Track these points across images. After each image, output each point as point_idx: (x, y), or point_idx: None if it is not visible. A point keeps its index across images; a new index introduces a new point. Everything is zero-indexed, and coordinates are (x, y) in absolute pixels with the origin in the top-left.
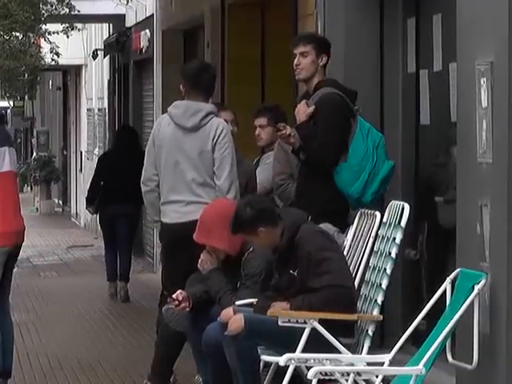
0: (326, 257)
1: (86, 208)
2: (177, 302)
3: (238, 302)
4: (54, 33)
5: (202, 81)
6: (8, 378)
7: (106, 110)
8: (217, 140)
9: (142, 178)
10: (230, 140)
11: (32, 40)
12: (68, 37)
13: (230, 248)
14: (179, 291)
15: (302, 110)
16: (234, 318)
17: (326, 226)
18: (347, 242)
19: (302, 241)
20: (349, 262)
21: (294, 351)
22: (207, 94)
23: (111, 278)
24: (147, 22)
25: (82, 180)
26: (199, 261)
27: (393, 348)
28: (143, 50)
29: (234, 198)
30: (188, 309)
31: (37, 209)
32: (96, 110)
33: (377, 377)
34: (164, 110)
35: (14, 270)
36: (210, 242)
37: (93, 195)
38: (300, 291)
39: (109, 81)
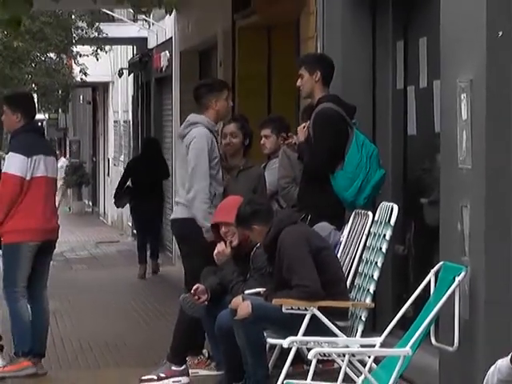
0: (293, 261)
1: (114, 202)
2: (197, 297)
3: (246, 291)
4: (84, 55)
5: (199, 95)
6: (42, 358)
7: (131, 122)
8: (188, 147)
9: None
10: (199, 148)
11: (64, 61)
12: (98, 59)
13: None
14: (199, 287)
15: (301, 132)
16: (242, 304)
17: (323, 225)
18: (343, 239)
19: (281, 241)
20: (344, 256)
21: (296, 335)
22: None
23: (141, 260)
24: (167, 44)
25: (109, 183)
26: (215, 252)
27: (383, 332)
28: (163, 69)
29: (193, 198)
30: (207, 302)
31: (69, 208)
32: (121, 122)
33: (369, 357)
34: (181, 123)
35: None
36: (226, 219)
37: (118, 192)
38: (276, 285)
39: (133, 96)
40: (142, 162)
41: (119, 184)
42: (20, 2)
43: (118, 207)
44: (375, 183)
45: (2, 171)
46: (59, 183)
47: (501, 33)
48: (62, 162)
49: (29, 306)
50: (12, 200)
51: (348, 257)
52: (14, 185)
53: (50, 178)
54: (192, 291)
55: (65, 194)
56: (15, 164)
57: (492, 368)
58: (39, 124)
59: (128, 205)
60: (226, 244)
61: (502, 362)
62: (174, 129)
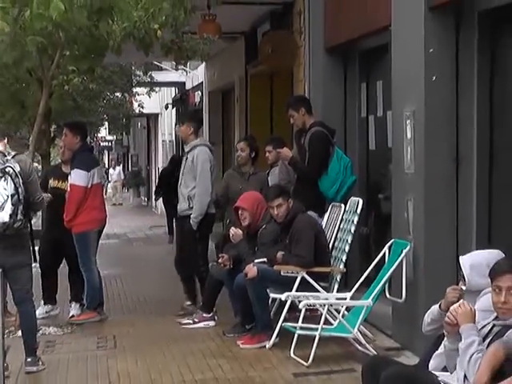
0: (301, 234)
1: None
2: (222, 264)
3: (255, 260)
4: (140, 94)
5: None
6: (103, 307)
7: (173, 142)
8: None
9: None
10: (200, 161)
11: (127, 98)
12: (150, 97)
13: (253, 215)
14: (224, 256)
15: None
16: (251, 269)
17: (311, 213)
18: (324, 223)
19: (295, 223)
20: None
21: (290, 291)
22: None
23: (170, 241)
24: (199, 86)
25: None
26: (231, 234)
27: (352, 289)
28: (196, 104)
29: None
30: (230, 267)
31: (120, 203)
32: (167, 141)
33: (342, 307)
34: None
35: (116, 241)
36: (243, 205)
37: (156, 190)
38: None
39: (175, 123)
40: (169, 170)
41: (156, 185)
42: (96, 57)
43: (156, 200)
44: (349, 186)
45: (70, 183)
46: (117, 184)
47: (434, 77)
48: (118, 169)
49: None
50: (78, 204)
51: (327, 236)
52: (79, 193)
53: (100, 183)
54: (220, 260)
55: (119, 190)
56: (80, 178)
57: (428, 312)
58: (92, 145)
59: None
60: (240, 227)
61: (434, 308)
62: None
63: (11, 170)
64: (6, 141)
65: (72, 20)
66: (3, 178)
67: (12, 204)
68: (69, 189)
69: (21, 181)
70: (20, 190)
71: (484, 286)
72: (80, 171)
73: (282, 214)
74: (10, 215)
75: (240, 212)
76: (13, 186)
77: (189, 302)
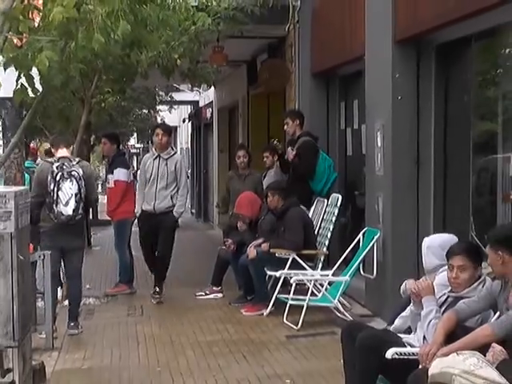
0: (293, 224)
1: None
2: (228, 247)
3: (255, 243)
4: (163, 111)
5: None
6: (133, 282)
7: (189, 150)
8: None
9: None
10: (183, 167)
11: (152, 114)
12: (170, 113)
13: (252, 214)
14: (229, 241)
15: (290, 155)
16: (252, 251)
17: (298, 206)
18: (311, 215)
19: (288, 215)
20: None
21: (283, 269)
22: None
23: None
24: (210, 104)
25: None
26: (238, 225)
27: (333, 267)
28: (208, 119)
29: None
30: (235, 250)
31: None
32: (184, 149)
33: (325, 282)
34: (218, 155)
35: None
36: (240, 211)
37: None
38: (280, 238)
39: (191, 134)
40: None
41: None
42: (127, 80)
43: None
44: (332, 182)
45: (115, 179)
46: None
47: (399, 97)
48: None
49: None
50: (121, 197)
51: (313, 224)
52: (122, 187)
53: (132, 182)
54: (226, 244)
55: None
56: (123, 175)
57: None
58: (124, 150)
59: None
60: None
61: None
62: (213, 153)
63: (76, 174)
64: (71, 148)
65: (108, 51)
66: (69, 180)
67: (75, 201)
68: (113, 185)
69: (83, 183)
70: (82, 190)
71: (436, 264)
72: (122, 169)
73: (276, 204)
74: (73, 210)
75: (240, 217)
76: (77, 186)
77: (158, 289)
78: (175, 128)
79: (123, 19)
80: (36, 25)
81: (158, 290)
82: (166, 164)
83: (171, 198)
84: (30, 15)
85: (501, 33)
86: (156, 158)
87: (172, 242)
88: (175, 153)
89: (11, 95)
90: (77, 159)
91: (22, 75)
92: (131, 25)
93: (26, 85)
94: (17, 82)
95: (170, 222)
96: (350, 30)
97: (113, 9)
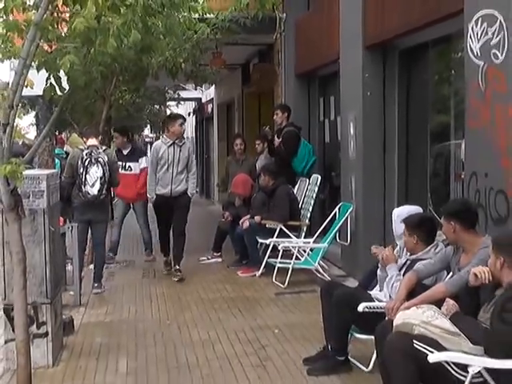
0: (280, 200)
1: None
2: (226, 220)
3: (248, 218)
4: (171, 106)
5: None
6: (152, 251)
7: (194, 139)
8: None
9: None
10: (192, 152)
11: (162, 109)
12: (178, 108)
13: (245, 193)
14: (226, 213)
15: (276, 143)
16: (245, 223)
17: (286, 185)
18: (295, 192)
19: (277, 192)
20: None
21: (272, 237)
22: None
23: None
24: (211, 101)
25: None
26: (235, 202)
27: (314, 235)
28: (209, 113)
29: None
30: (230, 219)
31: None
32: (190, 138)
33: (307, 248)
34: (218, 143)
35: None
36: (236, 191)
37: None
38: (270, 211)
39: (195, 126)
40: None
41: None
42: (140, 80)
43: None
44: (311, 164)
45: (143, 166)
46: None
47: (369, 93)
48: None
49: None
50: (145, 181)
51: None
52: (147, 173)
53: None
54: (224, 217)
55: None
56: (146, 162)
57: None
58: (141, 146)
59: None
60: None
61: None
62: (214, 142)
63: (102, 160)
64: (99, 138)
65: (124, 56)
66: (96, 165)
67: (100, 183)
68: (138, 171)
69: (107, 168)
70: (106, 174)
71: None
72: (145, 158)
73: (266, 183)
74: (98, 190)
75: (237, 195)
76: (102, 171)
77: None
78: None
79: (134, 29)
80: (63, 34)
81: (178, 267)
82: (180, 150)
83: (186, 181)
84: (58, 26)
85: (453, 40)
86: (171, 145)
87: (186, 220)
88: (185, 140)
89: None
90: (103, 147)
91: (51, 76)
92: (141, 33)
93: (55, 84)
94: (46, 81)
95: (185, 203)
96: (327, 37)
97: (126, 20)
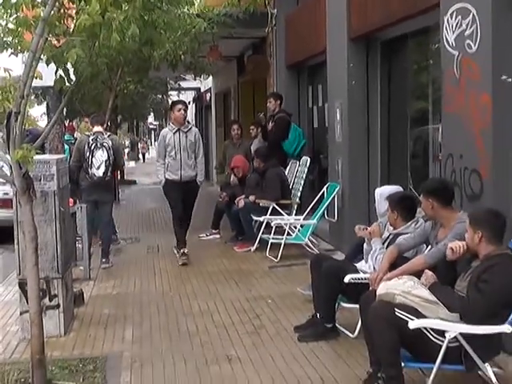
0: (272, 180)
1: None
2: (223, 199)
3: (243, 197)
4: (173, 95)
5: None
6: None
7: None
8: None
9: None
10: (200, 138)
11: (164, 98)
12: (179, 97)
13: (243, 168)
14: (223, 194)
15: (269, 128)
16: (240, 202)
17: (276, 167)
18: (287, 173)
19: (268, 173)
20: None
21: (266, 215)
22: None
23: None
24: (209, 90)
25: None
26: (231, 180)
27: (304, 213)
28: (207, 101)
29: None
30: (227, 199)
31: None
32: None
33: (298, 225)
34: (216, 129)
35: (159, 187)
36: (237, 164)
37: None
38: (263, 191)
39: (195, 114)
40: None
41: None
42: (143, 72)
43: None
44: (301, 146)
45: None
46: None
47: (353, 82)
48: None
49: None
50: None
51: (289, 181)
52: None
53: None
54: (222, 197)
55: None
56: None
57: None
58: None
59: None
60: (235, 176)
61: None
62: (212, 131)
63: (106, 144)
64: (105, 126)
65: (127, 48)
66: (101, 149)
67: (105, 166)
68: None
69: (112, 152)
70: (111, 158)
71: (386, 208)
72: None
73: (258, 164)
74: (103, 172)
75: (236, 170)
76: (106, 154)
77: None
78: None
79: (134, 23)
80: (69, 29)
81: (185, 251)
82: (186, 136)
83: (195, 166)
84: (65, 21)
85: (430, 32)
86: (176, 131)
87: (193, 207)
88: (192, 126)
89: (53, 84)
90: (108, 133)
91: (59, 68)
92: (141, 28)
93: (64, 75)
94: (55, 73)
95: (194, 191)
96: (315, 30)
97: (127, 15)
